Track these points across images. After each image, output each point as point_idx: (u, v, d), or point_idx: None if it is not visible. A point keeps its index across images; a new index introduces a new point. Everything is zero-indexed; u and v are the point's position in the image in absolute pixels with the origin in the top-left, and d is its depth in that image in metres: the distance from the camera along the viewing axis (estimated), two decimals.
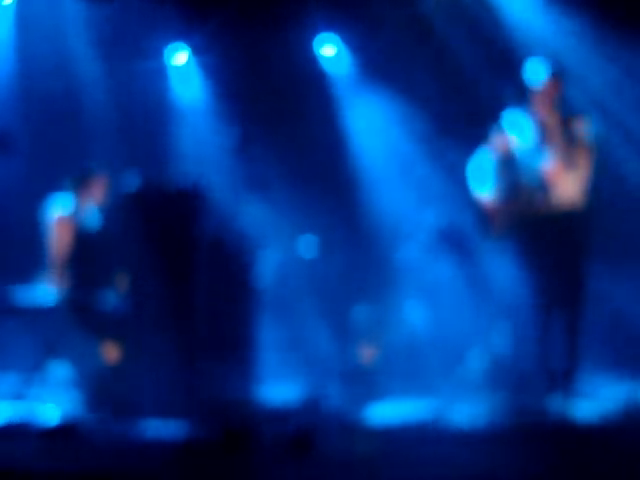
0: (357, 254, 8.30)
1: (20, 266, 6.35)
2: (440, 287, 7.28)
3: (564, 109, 5.81)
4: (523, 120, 5.79)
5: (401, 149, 8.35)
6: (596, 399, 5.75)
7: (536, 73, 5.78)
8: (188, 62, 8.74)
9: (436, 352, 6.92)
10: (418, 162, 8.22)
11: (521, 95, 5.79)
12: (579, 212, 5.69)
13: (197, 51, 8.65)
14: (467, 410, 5.55)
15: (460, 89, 7.89)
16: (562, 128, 5.75)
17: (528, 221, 5.73)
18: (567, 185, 5.68)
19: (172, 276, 5.78)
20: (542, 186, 5.69)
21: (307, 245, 7.42)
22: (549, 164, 5.71)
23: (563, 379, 5.69)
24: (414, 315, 7.28)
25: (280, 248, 7.47)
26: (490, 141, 5.83)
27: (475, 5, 7.84)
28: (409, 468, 4.12)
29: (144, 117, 8.37)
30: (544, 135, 5.75)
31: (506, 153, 5.78)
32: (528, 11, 7.78)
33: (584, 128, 5.71)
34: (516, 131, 5.79)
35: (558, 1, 7.59)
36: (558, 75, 5.78)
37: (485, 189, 5.88)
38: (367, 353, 7.11)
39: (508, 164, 5.79)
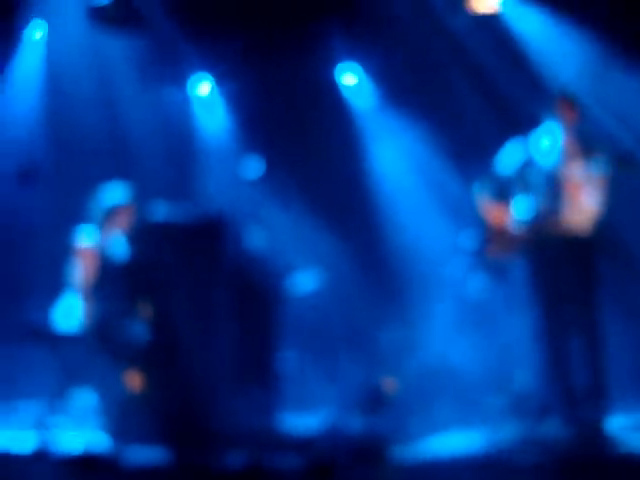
0: (383, 281, 8.27)
1: (46, 294, 6.40)
2: (474, 310, 7.20)
3: (586, 136, 5.82)
4: (553, 137, 5.81)
5: (429, 171, 8.31)
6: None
7: (554, 99, 5.82)
8: (211, 92, 8.82)
9: (469, 379, 6.81)
10: (448, 184, 8.17)
11: (550, 112, 5.82)
12: (592, 235, 5.69)
13: (220, 81, 8.72)
14: (489, 441, 5.49)
15: (488, 108, 7.86)
16: (582, 154, 5.76)
17: (540, 244, 5.73)
18: (582, 208, 5.69)
19: (197, 305, 5.81)
20: (557, 208, 5.70)
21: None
22: (568, 186, 5.72)
23: (590, 405, 5.61)
24: (445, 341, 7.21)
25: (304, 275, 7.47)
26: (511, 160, 5.86)
27: (498, 24, 7.83)
28: None
29: (169, 147, 8.45)
30: (565, 158, 5.78)
31: (527, 172, 5.80)
32: (552, 32, 7.78)
33: (603, 157, 5.71)
34: (545, 148, 5.81)
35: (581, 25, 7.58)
36: (575, 103, 5.80)
37: (500, 207, 5.91)
38: (391, 382, 7.05)
39: (529, 182, 5.80)
